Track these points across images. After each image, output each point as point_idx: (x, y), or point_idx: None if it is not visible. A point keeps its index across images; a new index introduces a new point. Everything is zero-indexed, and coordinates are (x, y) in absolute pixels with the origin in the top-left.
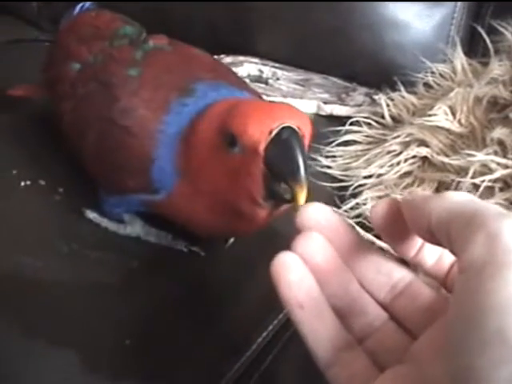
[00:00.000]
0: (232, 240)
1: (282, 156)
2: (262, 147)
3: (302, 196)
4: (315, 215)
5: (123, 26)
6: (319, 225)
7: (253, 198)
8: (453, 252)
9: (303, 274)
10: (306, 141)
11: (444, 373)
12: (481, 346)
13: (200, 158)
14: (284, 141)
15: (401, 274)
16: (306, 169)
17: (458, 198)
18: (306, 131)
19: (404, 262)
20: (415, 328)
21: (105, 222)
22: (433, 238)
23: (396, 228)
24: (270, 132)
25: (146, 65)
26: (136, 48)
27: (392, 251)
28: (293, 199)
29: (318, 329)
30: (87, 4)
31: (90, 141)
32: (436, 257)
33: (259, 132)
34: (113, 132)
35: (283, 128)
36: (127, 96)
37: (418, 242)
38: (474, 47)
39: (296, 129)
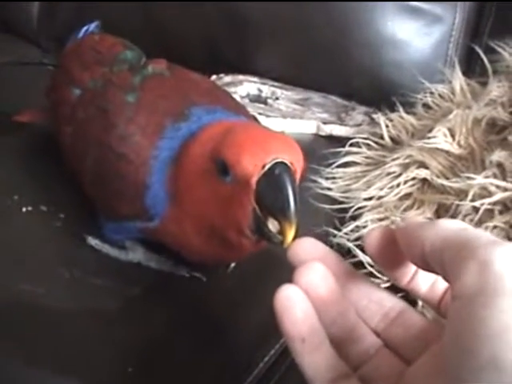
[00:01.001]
0: (233, 265)
1: (273, 191)
2: (254, 180)
3: (290, 233)
4: (305, 247)
5: (123, 51)
6: (310, 256)
7: (240, 229)
8: (446, 279)
9: (307, 309)
10: (298, 175)
11: None
12: (475, 372)
13: (190, 181)
14: (276, 176)
15: (391, 303)
16: (296, 206)
17: (451, 226)
18: (299, 166)
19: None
20: (408, 355)
21: (106, 248)
22: (427, 265)
23: (390, 255)
24: (263, 166)
25: (143, 90)
26: (135, 73)
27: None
28: (281, 234)
29: (317, 360)
30: (92, 27)
31: (88, 165)
32: (429, 283)
33: (252, 165)
34: (109, 158)
35: (276, 163)
36: (124, 122)
37: (411, 268)
38: (471, 67)
39: (289, 164)
